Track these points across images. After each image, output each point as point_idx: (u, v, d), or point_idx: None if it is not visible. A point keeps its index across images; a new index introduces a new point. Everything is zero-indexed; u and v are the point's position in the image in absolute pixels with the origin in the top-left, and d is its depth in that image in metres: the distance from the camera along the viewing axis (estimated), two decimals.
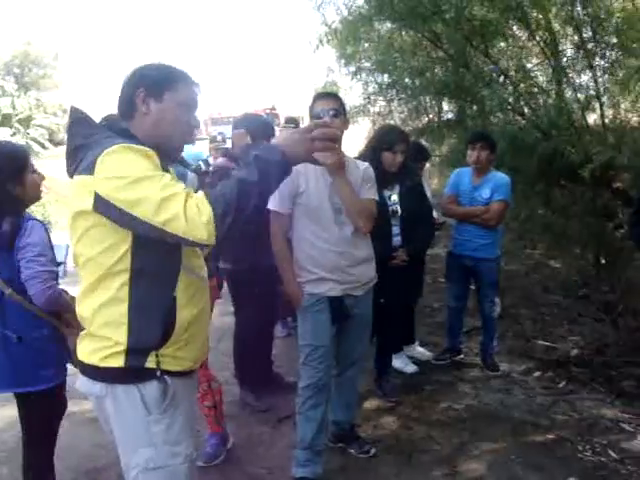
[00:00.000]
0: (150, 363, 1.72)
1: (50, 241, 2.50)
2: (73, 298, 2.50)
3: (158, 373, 1.73)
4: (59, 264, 2.60)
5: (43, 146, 17.84)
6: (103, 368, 1.72)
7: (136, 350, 1.70)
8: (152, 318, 1.71)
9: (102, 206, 1.59)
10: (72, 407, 3.63)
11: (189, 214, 1.52)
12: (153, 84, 1.79)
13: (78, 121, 1.79)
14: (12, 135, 16.77)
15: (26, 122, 18.18)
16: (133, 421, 1.74)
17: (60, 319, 2.48)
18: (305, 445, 3.02)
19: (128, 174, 1.57)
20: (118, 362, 1.70)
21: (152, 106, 1.79)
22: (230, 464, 3.33)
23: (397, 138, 3.70)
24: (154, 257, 1.68)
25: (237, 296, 3.99)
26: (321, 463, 3.07)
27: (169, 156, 1.86)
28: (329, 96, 3.08)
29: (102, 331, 1.71)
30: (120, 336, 1.69)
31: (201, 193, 1.58)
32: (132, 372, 1.71)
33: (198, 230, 1.53)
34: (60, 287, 2.51)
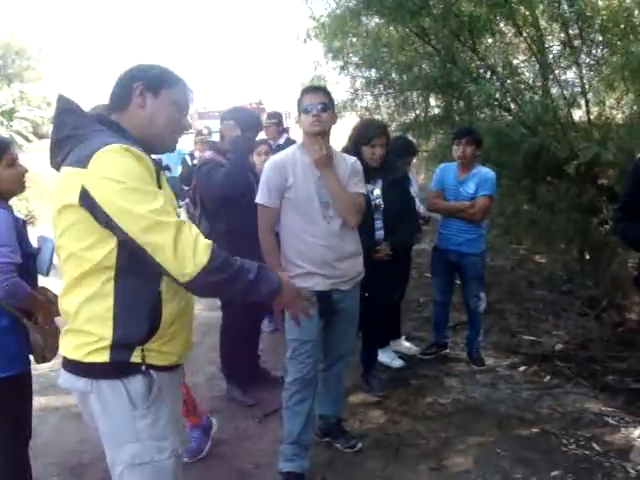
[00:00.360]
0: (135, 358, 1.70)
1: (17, 231, 2.45)
2: (55, 296, 2.49)
3: (143, 368, 1.72)
4: (29, 255, 2.57)
5: (27, 139, 17.61)
6: (87, 363, 1.70)
7: (121, 345, 1.68)
8: (138, 313, 1.69)
9: (88, 202, 1.58)
10: (56, 402, 3.64)
11: (180, 248, 1.57)
12: (152, 79, 1.81)
13: (67, 111, 1.76)
14: None
15: (9, 115, 17.94)
16: (118, 416, 1.73)
17: (28, 312, 2.46)
18: (292, 440, 3.02)
19: (123, 179, 1.56)
20: (103, 357, 1.68)
21: (148, 100, 1.80)
22: (217, 459, 3.33)
23: (375, 132, 3.67)
24: (140, 253, 1.67)
25: None
26: (308, 458, 3.07)
27: (155, 151, 1.86)
28: (317, 90, 3.05)
29: (87, 326, 1.69)
30: (105, 331, 1.67)
31: (210, 242, 1.64)
32: (117, 367, 1.69)
33: (183, 267, 1.58)
34: (44, 284, 2.48)
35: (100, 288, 1.66)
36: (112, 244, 1.63)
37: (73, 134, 1.69)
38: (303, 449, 3.05)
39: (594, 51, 5.76)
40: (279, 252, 3.00)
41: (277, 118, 6.38)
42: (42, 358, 2.52)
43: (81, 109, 1.79)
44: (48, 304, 2.49)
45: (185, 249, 1.57)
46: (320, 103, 2.85)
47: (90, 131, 1.68)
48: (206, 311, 5.53)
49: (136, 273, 1.67)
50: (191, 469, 3.12)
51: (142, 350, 1.71)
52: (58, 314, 2.45)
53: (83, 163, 1.58)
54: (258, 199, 2.96)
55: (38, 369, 2.76)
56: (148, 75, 1.81)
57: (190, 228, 1.62)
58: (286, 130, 6.38)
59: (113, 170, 1.57)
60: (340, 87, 7.87)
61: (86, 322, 1.69)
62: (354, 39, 7.47)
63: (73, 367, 1.75)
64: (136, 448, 1.73)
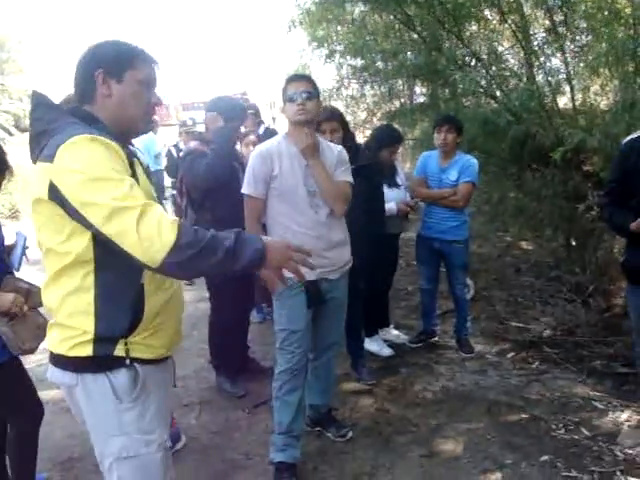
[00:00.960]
0: (119, 351, 1.69)
1: None
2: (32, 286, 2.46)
3: (127, 361, 1.71)
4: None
5: (9, 132, 17.41)
6: (72, 357, 1.69)
7: (104, 339, 1.67)
8: (119, 306, 1.68)
9: (56, 197, 1.56)
10: (45, 397, 3.60)
11: (143, 230, 1.48)
12: (113, 63, 1.73)
13: (40, 106, 1.73)
14: None
15: None
16: (104, 410, 1.72)
17: None
18: (283, 430, 3.02)
19: (86, 170, 1.52)
20: (86, 351, 1.67)
21: (113, 87, 1.74)
22: (208, 450, 3.33)
23: (322, 116, 3.53)
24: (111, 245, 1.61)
25: (212, 282, 3.95)
26: (299, 447, 3.07)
27: (131, 135, 1.86)
28: (301, 78, 3.02)
29: (69, 321, 1.68)
30: (88, 325, 1.66)
31: (176, 219, 1.55)
32: (101, 360, 1.69)
33: (150, 249, 1.49)
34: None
35: (80, 282, 1.64)
36: (87, 236, 1.60)
37: (47, 128, 1.66)
38: (294, 439, 3.05)
39: (578, 38, 5.77)
40: None
41: (254, 109, 6.35)
42: (20, 350, 2.50)
43: (54, 103, 1.75)
44: (5, 295, 2.45)
45: (149, 231, 1.48)
46: (305, 92, 2.83)
47: (62, 124, 1.64)
48: (194, 303, 5.51)
49: (115, 266, 1.64)
50: (182, 460, 3.12)
51: (126, 343, 1.70)
52: (34, 304, 2.46)
53: (51, 157, 1.56)
54: (244, 189, 2.94)
55: (26, 364, 2.75)
56: (106, 60, 1.73)
57: (154, 209, 1.53)
58: (263, 121, 6.34)
59: (76, 161, 1.53)
60: (325, 76, 7.84)
61: (68, 316, 1.68)
62: (339, 27, 7.44)
63: (59, 361, 1.74)
64: (123, 441, 1.73)
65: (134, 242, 1.48)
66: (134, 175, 1.66)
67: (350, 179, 3.08)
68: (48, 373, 1.81)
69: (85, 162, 1.53)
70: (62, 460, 3.28)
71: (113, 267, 1.65)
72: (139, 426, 1.74)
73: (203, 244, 1.52)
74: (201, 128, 6.00)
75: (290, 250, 1.73)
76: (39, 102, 1.74)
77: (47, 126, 1.67)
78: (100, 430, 1.77)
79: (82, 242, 1.61)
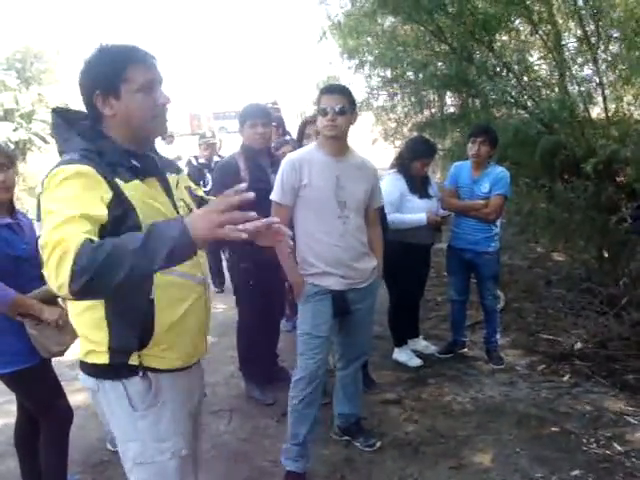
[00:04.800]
0: (133, 360, 1.73)
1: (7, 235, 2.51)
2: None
3: (140, 372, 1.74)
4: (18, 258, 2.59)
5: (45, 140, 17.76)
6: (91, 364, 1.77)
7: (118, 351, 1.72)
8: (129, 322, 1.70)
9: None
10: (77, 401, 3.67)
11: (50, 263, 1.39)
12: (106, 82, 1.69)
13: (56, 125, 1.78)
14: (14, 130, 16.70)
15: (28, 117, 18.10)
16: (121, 416, 1.79)
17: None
18: (298, 441, 3.02)
19: (50, 203, 1.52)
20: (103, 359, 1.73)
21: (115, 105, 1.71)
22: (237, 457, 3.36)
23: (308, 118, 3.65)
24: None
25: (237, 287, 4.00)
26: (310, 456, 3.09)
27: (148, 144, 1.84)
28: (336, 91, 2.90)
29: (86, 332, 1.75)
30: (102, 338, 1.71)
31: (78, 242, 1.39)
32: (116, 368, 1.74)
33: (51, 279, 1.40)
34: None
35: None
36: None
37: (63, 149, 1.72)
38: (307, 449, 3.06)
39: (611, 47, 5.72)
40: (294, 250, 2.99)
41: (277, 121, 6.37)
42: (48, 352, 2.58)
43: (65, 122, 1.76)
44: (37, 304, 2.52)
45: (53, 262, 1.38)
46: (337, 106, 2.78)
47: (69, 146, 1.70)
48: (224, 310, 5.56)
49: None
50: (212, 466, 3.15)
51: (139, 355, 1.73)
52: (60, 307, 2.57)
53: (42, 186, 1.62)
54: (273, 196, 2.93)
55: (56, 368, 2.83)
56: (99, 79, 1.69)
57: (70, 239, 1.40)
58: (288, 132, 6.36)
59: (45, 196, 1.55)
60: (355, 86, 7.88)
61: (85, 329, 1.75)
62: (369, 38, 7.48)
63: (83, 367, 1.83)
64: (138, 447, 1.79)
65: (48, 273, 1.41)
66: (120, 195, 1.61)
67: (381, 203, 3.13)
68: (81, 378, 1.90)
69: (51, 197, 1.54)
70: (94, 463, 3.34)
71: None
72: (153, 434, 1.79)
73: (100, 261, 1.36)
74: (225, 137, 6.08)
75: (217, 213, 1.41)
76: (55, 122, 1.78)
77: (62, 147, 1.73)
78: (119, 434, 1.84)
79: None
